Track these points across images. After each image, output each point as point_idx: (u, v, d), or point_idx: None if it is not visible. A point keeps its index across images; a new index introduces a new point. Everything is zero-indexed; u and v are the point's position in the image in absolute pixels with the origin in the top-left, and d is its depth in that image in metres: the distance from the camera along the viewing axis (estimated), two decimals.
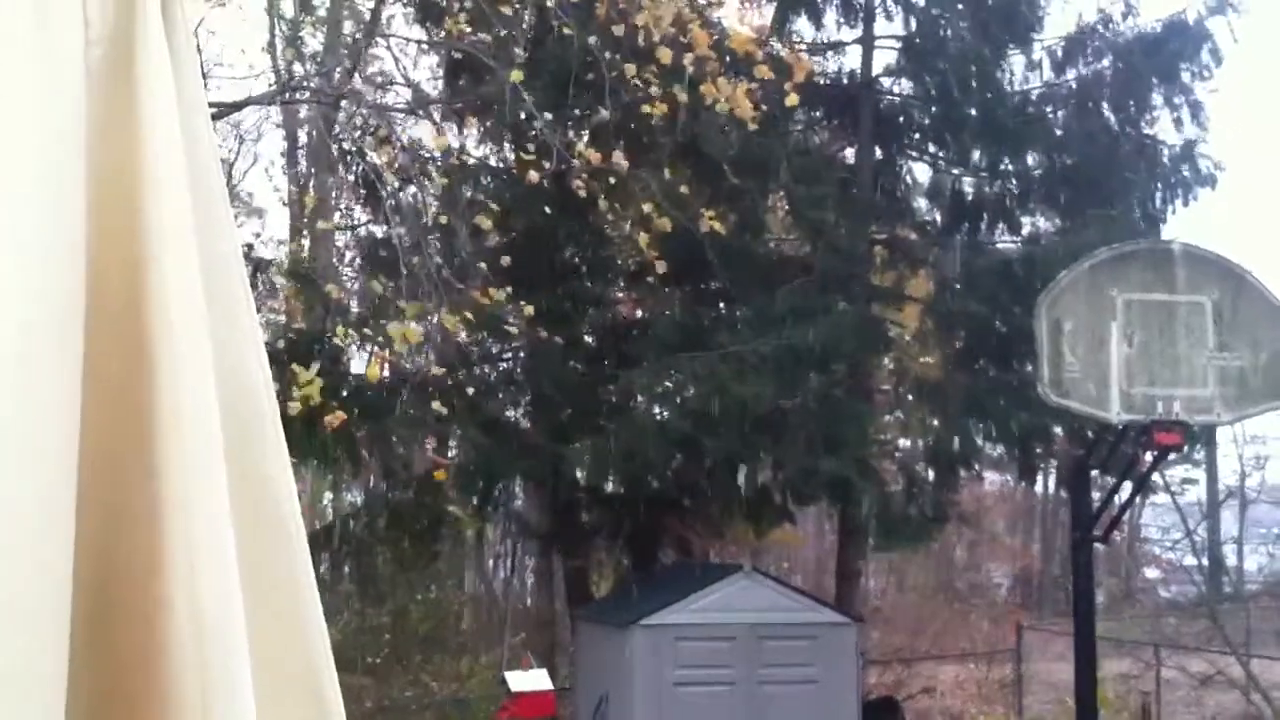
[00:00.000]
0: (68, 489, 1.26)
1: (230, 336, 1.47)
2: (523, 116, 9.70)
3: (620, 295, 15.69)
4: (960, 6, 15.10)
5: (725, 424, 12.62)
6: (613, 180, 10.49)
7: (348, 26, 16.61)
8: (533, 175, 9.77)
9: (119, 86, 1.44)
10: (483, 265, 10.01)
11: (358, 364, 13.12)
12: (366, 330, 9.49)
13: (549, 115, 9.47)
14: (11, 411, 1.23)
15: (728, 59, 11.08)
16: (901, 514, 14.72)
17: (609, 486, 15.03)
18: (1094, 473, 11.93)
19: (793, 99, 10.63)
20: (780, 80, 10.77)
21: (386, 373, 13.07)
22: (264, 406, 1.52)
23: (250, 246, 13.61)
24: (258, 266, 13.17)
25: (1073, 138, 14.83)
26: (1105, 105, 15.02)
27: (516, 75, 9.05)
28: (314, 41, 17.08)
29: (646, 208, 10.41)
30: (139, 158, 1.43)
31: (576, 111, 10.99)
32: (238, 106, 10.47)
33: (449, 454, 13.51)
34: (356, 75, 10.82)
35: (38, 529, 1.23)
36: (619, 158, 9.66)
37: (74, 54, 1.40)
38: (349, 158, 11.97)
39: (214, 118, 10.51)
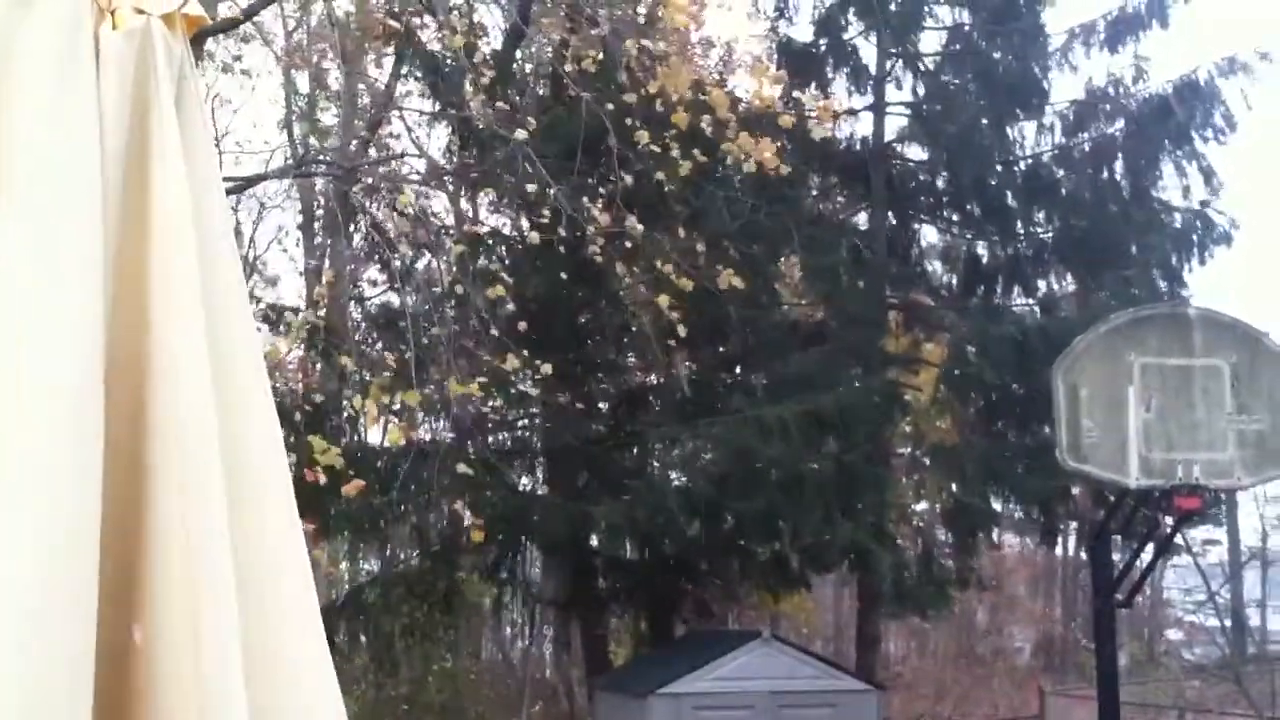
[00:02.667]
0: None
1: (239, 403, 1.51)
2: (531, 187, 9.75)
3: (634, 361, 15.69)
4: (970, 73, 15.22)
5: (744, 489, 12.58)
6: (628, 244, 10.52)
7: (363, 99, 16.82)
8: (535, 237, 9.80)
9: (133, 174, 1.49)
10: (495, 333, 10.03)
11: (374, 433, 13.16)
12: (384, 399, 9.49)
13: (561, 185, 9.51)
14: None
15: (745, 124, 11.16)
16: (920, 579, 14.63)
17: (626, 552, 14.99)
18: (1115, 536, 11.85)
19: (819, 131, 10.61)
20: (801, 144, 10.80)
21: (403, 440, 13.07)
22: (270, 479, 1.57)
23: (267, 317, 13.66)
24: (274, 329, 13.29)
25: (1085, 200, 14.87)
26: (1118, 167, 15.08)
27: (520, 135, 9.11)
28: (328, 116, 17.31)
29: (666, 268, 10.43)
30: (150, 243, 1.47)
31: (590, 180, 11.07)
32: (253, 181, 10.57)
33: (464, 521, 13.47)
34: (372, 148, 10.93)
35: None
36: (633, 221, 9.70)
37: (90, 136, 1.45)
38: (364, 228, 12.07)
39: (231, 192, 10.63)
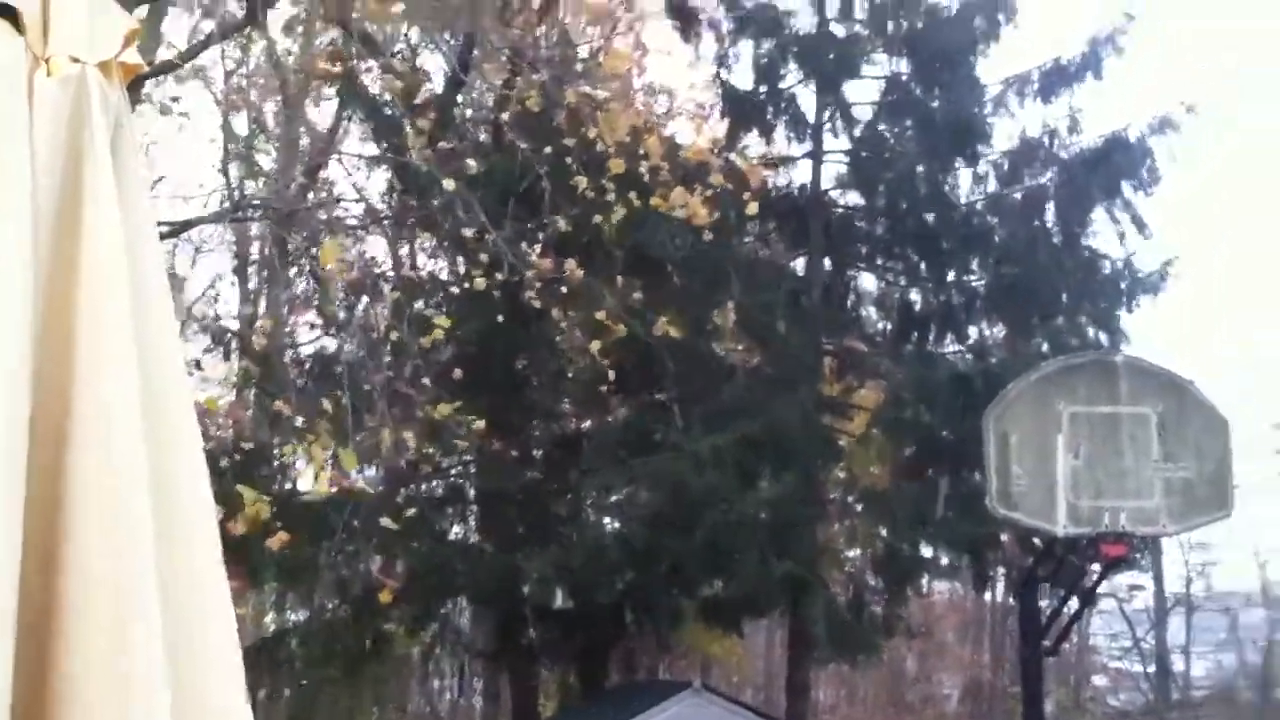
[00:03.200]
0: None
1: (170, 442, 1.51)
2: (469, 233, 9.73)
3: (568, 407, 15.65)
4: (907, 121, 15.44)
5: (679, 528, 12.55)
6: (565, 290, 10.52)
7: (303, 142, 16.72)
8: (480, 283, 9.78)
9: (66, 221, 1.48)
10: (426, 381, 9.97)
11: (304, 481, 12.97)
12: (315, 448, 9.38)
13: (500, 229, 9.51)
14: None
15: (681, 170, 11.23)
16: (851, 625, 14.66)
17: (557, 602, 14.86)
18: (1043, 583, 11.95)
19: (752, 208, 10.74)
20: (737, 192, 10.90)
21: (334, 488, 12.91)
22: (199, 522, 1.57)
23: (198, 363, 13.48)
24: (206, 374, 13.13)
25: (1018, 248, 15.08)
26: (1050, 217, 15.32)
27: (450, 184, 9.09)
28: (266, 159, 17.18)
29: (600, 315, 10.43)
30: (81, 290, 1.47)
31: (529, 226, 11.07)
32: (189, 225, 10.45)
33: (395, 569, 13.31)
34: (310, 194, 10.86)
35: None
36: (572, 266, 9.70)
37: (21, 182, 1.44)
38: (301, 274, 11.98)
39: (166, 236, 10.51)
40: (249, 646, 15.86)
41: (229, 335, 13.87)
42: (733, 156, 12.32)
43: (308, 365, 14.26)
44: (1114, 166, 14.87)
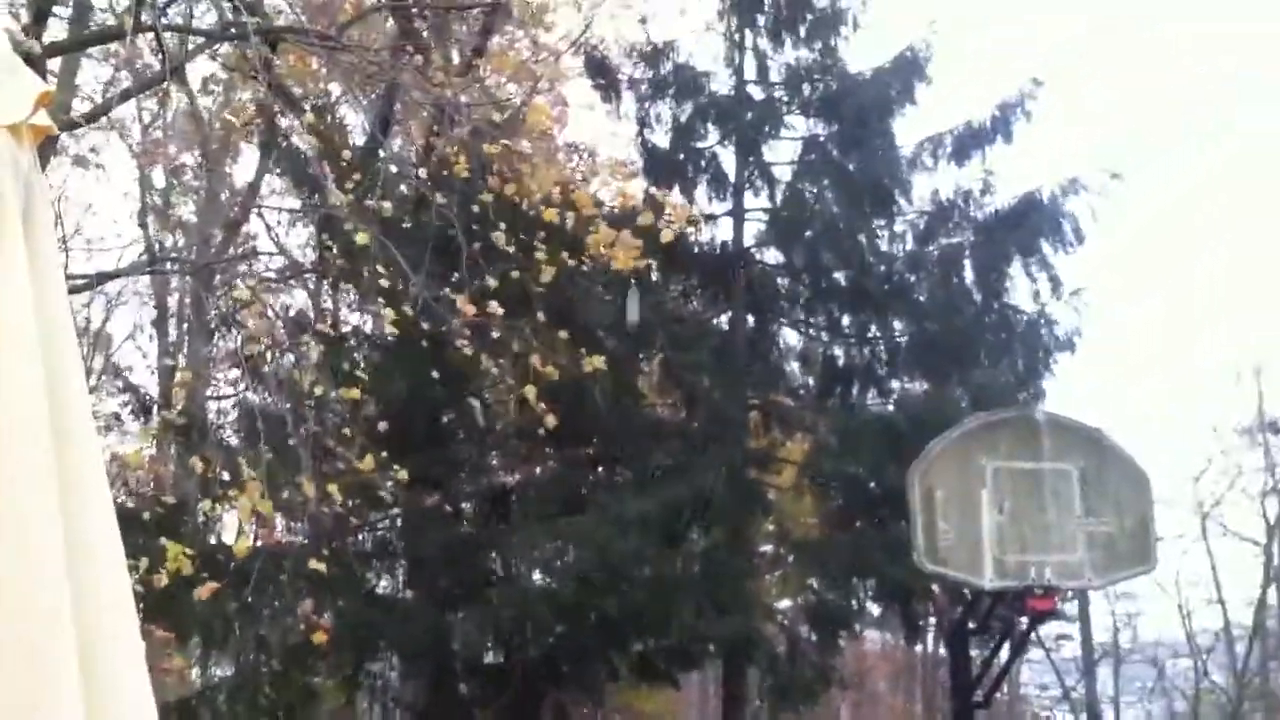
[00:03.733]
0: None
1: (80, 510, 1.50)
2: (390, 284, 9.67)
3: (497, 460, 15.56)
4: (826, 180, 15.64)
5: (606, 588, 12.49)
6: (495, 334, 10.47)
7: (224, 194, 16.61)
8: (390, 328, 9.70)
9: None
10: (347, 432, 9.87)
11: (229, 534, 12.81)
12: (241, 500, 9.25)
13: (421, 279, 9.47)
14: None
15: (610, 215, 11.26)
16: (788, 676, 14.67)
17: (488, 657, 14.72)
18: (973, 633, 12.02)
19: (668, 234, 10.75)
20: (656, 232, 10.93)
21: (259, 542, 12.73)
22: (113, 583, 1.55)
23: (118, 416, 13.28)
24: (124, 427, 12.91)
25: (937, 305, 15.30)
26: (968, 274, 15.55)
27: (362, 238, 9.06)
28: (186, 211, 17.01)
29: (532, 359, 10.37)
30: None
31: (454, 278, 11.03)
32: (105, 278, 10.32)
33: (323, 617, 13.10)
34: (230, 248, 10.77)
35: None
36: (495, 306, 9.64)
37: None
38: (223, 327, 11.86)
39: (82, 289, 10.37)
40: (176, 700, 15.55)
41: (145, 394, 13.69)
42: (653, 209, 12.35)
43: (229, 419, 14.09)
44: (1030, 226, 15.15)
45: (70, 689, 1.38)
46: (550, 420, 10.39)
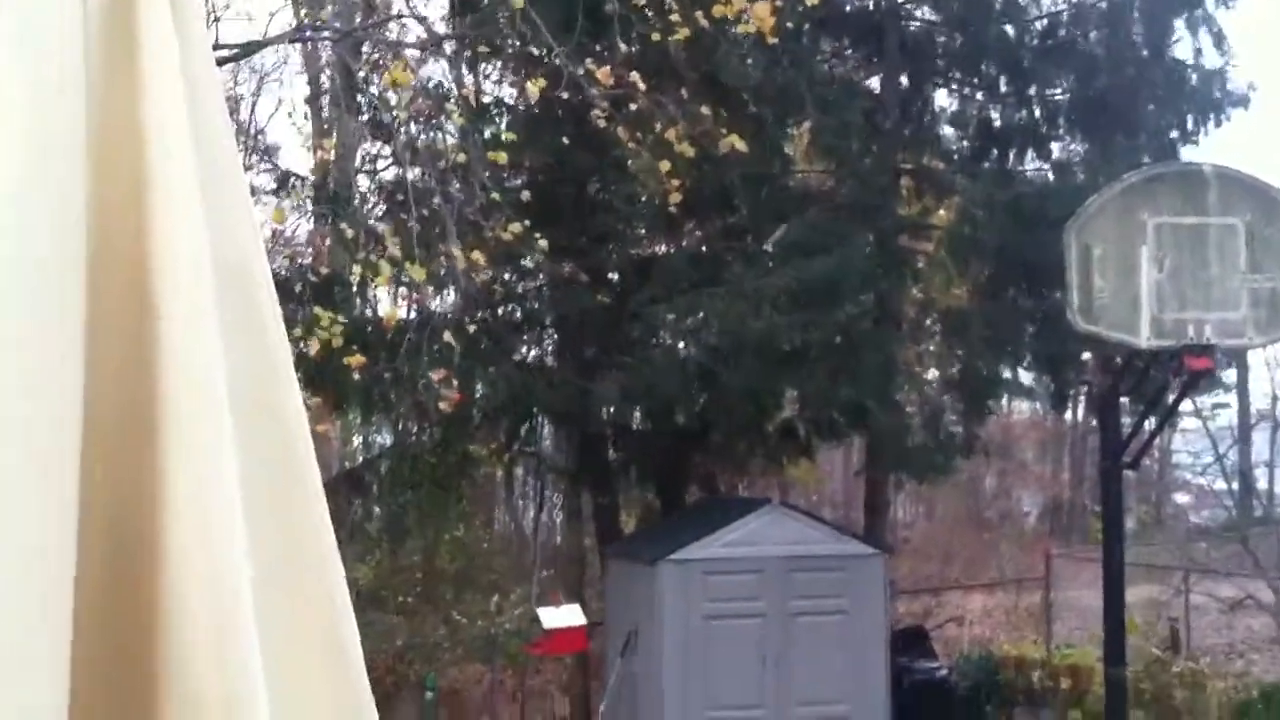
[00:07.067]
0: (72, 453, 1.21)
1: (240, 284, 1.41)
2: (536, 51, 9.54)
3: (641, 230, 15.57)
4: None
5: (748, 359, 12.55)
6: (632, 106, 10.31)
7: None
8: (534, 92, 9.60)
9: (117, 36, 1.37)
10: (496, 196, 9.88)
11: (382, 307, 13.12)
12: (387, 272, 9.41)
13: (564, 47, 9.29)
14: (12, 379, 1.17)
15: None
16: (926, 444, 14.71)
17: (635, 423, 15.02)
18: (1124, 400, 11.84)
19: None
20: None
21: (413, 314, 13.03)
22: (278, 358, 1.45)
23: (273, 190, 13.54)
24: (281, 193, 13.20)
25: (1100, 62, 14.57)
26: (1134, 29, 14.76)
27: (518, 2, 8.89)
28: None
29: (669, 134, 10.21)
30: (139, 108, 1.35)
31: (598, 48, 10.84)
32: (250, 49, 10.36)
33: (476, 394, 13.46)
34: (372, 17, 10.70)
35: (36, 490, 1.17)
36: (636, 78, 9.47)
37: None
38: (368, 99, 11.88)
39: (230, 60, 10.43)
40: (339, 474, 16.31)
41: (291, 177, 13.89)
42: None
43: (378, 191, 14.27)
44: None
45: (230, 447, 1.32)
46: (675, 197, 10.29)
